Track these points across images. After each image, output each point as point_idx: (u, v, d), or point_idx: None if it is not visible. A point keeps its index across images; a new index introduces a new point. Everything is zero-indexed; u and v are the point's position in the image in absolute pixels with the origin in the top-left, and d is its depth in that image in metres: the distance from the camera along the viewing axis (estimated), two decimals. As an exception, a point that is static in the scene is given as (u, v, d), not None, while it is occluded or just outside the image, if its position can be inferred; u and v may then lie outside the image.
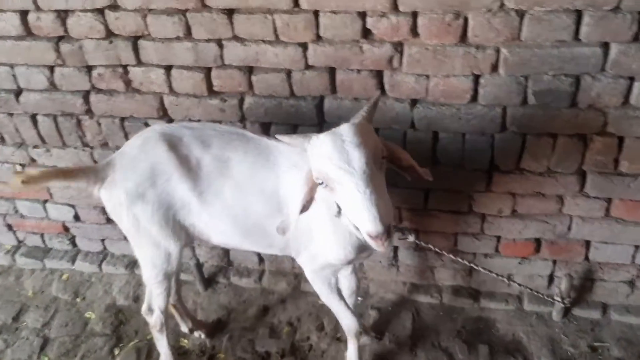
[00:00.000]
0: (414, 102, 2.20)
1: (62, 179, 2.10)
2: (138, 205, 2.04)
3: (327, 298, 2.22)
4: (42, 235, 3.18)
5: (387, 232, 1.53)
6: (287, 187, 1.93)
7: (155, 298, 2.32)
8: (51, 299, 3.04)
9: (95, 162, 2.71)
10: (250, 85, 2.29)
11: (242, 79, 2.27)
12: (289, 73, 2.23)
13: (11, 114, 2.63)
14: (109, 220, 2.97)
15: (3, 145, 2.77)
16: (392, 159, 1.73)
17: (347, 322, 2.29)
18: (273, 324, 2.79)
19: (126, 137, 2.56)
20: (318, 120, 2.32)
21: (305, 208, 1.73)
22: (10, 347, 2.80)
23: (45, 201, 2.99)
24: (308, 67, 2.19)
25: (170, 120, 2.48)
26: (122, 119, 2.52)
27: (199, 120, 2.45)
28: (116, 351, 2.74)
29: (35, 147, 2.73)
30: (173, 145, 2.00)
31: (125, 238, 2.91)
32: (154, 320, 2.39)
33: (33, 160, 2.79)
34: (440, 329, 2.67)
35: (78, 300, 3.02)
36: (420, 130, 2.25)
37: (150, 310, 2.39)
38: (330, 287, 2.18)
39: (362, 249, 1.94)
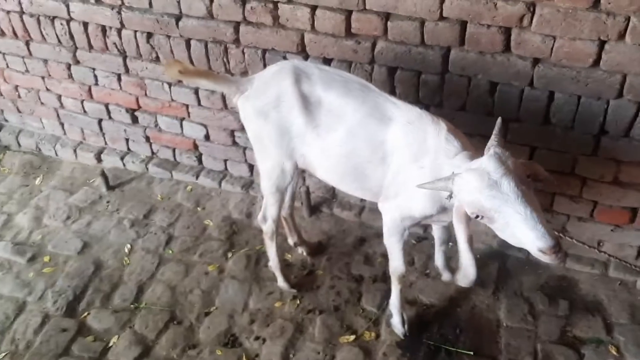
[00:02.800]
0: (536, 61, 2.37)
1: (212, 80, 2.44)
2: (261, 121, 2.36)
3: (392, 242, 2.42)
4: (173, 150, 3.61)
5: (558, 244, 1.67)
6: (397, 140, 2.15)
7: (269, 207, 2.66)
8: (176, 204, 3.48)
9: (233, 87, 3.06)
10: (385, 30, 2.53)
11: (378, 24, 2.52)
12: (422, 22, 2.45)
13: (169, 36, 3.01)
14: (234, 143, 3.35)
15: (157, 64, 3.17)
16: (532, 177, 1.85)
17: (397, 264, 2.48)
18: (368, 254, 3.08)
19: (265, 67, 2.88)
20: (442, 69, 2.54)
21: (470, 245, 1.95)
22: (141, 238, 3.26)
23: (183, 119, 3.40)
24: (442, 18, 2.40)
25: (307, 57, 2.77)
26: (264, 51, 2.85)
27: (331, 60, 2.73)
28: (229, 254, 3.13)
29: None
30: (300, 80, 2.27)
31: (245, 161, 3.30)
32: (267, 227, 2.74)
33: (179, 81, 3.18)
34: (523, 280, 2.86)
35: (199, 209, 3.43)
36: (537, 89, 2.42)
37: (264, 218, 2.73)
38: (401, 236, 2.38)
39: (443, 211, 2.15)
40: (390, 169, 2.20)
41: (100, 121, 3.67)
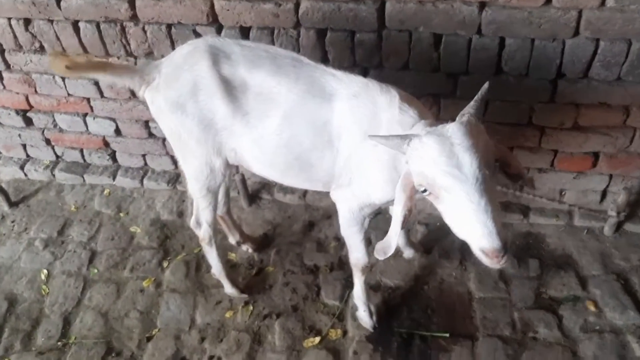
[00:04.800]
0: (482, 5, 2.09)
1: (109, 72, 1.99)
2: (178, 115, 1.97)
3: (352, 233, 2.13)
4: (81, 151, 3.14)
5: (505, 249, 1.40)
6: (343, 118, 1.83)
7: (202, 211, 2.29)
8: (94, 213, 3.04)
9: (139, 72, 2.62)
10: (308, -13, 2.17)
11: (299, -20, 2.16)
12: (350, -27, 2.11)
13: (51, 20, 2.52)
14: (150, 135, 2.93)
15: (42, 55, 2.67)
16: (500, 164, 1.57)
17: (359, 255, 2.20)
18: (320, 239, 2.79)
19: (173, 45, 2.47)
20: (378, 26, 2.22)
21: (405, 220, 1.60)
22: (58, 260, 2.82)
23: (85, 115, 2.93)
24: (372, -34, 2.07)
25: (220, 28, 2.38)
26: (169, 26, 2.42)
27: (250, 28, 2.34)
28: (164, 264, 2.75)
29: (77, 55, 2.64)
30: (218, 61, 1.89)
31: (167, 153, 2.89)
32: (203, 233, 2.38)
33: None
34: (489, 243, 2.66)
35: (121, 215, 3.01)
36: (486, 37, 2.16)
37: (198, 223, 2.37)
38: (362, 226, 2.11)
39: None
40: (339, 154, 1.88)
41: (-14, 128, 3.13)
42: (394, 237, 1.65)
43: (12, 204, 3.12)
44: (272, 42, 2.37)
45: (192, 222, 2.38)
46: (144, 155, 3.07)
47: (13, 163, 3.25)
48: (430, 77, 2.32)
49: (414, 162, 1.51)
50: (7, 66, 2.76)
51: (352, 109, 1.83)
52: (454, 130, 1.47)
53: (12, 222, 3.04)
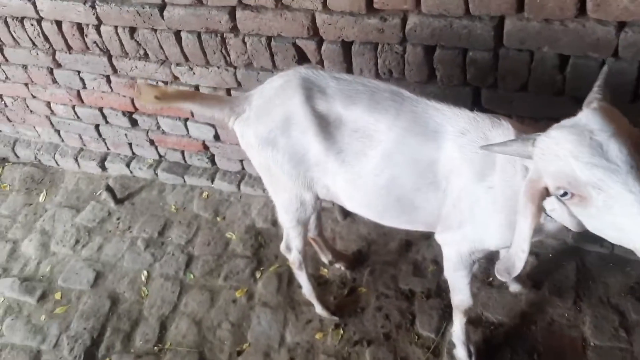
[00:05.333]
0: (621, 25, 1.80)
1: (197, 103, 1.97)
2: (268, 150, 1.88)
3: (458, 277, 1.95)
4: (182, 152, 3.17)
5: None
6: (451, 158, 1.65)
7: (291, 240, 2.23)
8: (193, 216, 3.07)
9: (238, 82, 2.57)
10: (418, 2, 1.98)
11: (408, -5, 1.96)
12: (466, -12, 1.88)
13: (155, 30, 2.51)
14: (248, 142, 2.88)
15: (147, 62, 2.69)
16: None
17: (464, 297, 2.02)
18: (417, 261, 2.63)
19: (272, 57, 2.38)
20: (494, 44, 1.98)
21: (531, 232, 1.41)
22: (158, 261, 2.88)
23: (187, 120, 2.93)
24: (491, -20, 1.83)
25: (321, 41, 2.24)
26: (269, 38, 2.32)
27: (352, 43, 2.19)
28: (257, 274, 2.74)
29: (178, 64, 2.63)
30: (312, 96, 1.77)
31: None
32: (292, 258, 2.32)
33: (176, 78, 2.70)
34: (609, 282, 2.38)
35: (218, 219, 3.02)
36: (623, 60, 1.86)
37: (288, 249, 2.30)
38: (470, 270, 1.92)
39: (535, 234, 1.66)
40: (447, 195, 1.71)
41: (97, 126, 3.25)
42: (522, 257, 1.44)
43: (118, 201, 3.23)
44: (375, 58, 2.20)
45: (282, 247, 2.32)
46: (241, 161, 3.05)
47: (120, 160, 3.35)
48: (552, 100, 2.07)
49: (546, 162, 1.31)
50: (115, 71, 2.81)
51: (461, 147, 1.65)
52: (588, 117, 1.28)
53: (118, 219, 3.15)
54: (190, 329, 2.59)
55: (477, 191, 1.63)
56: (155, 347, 2.55)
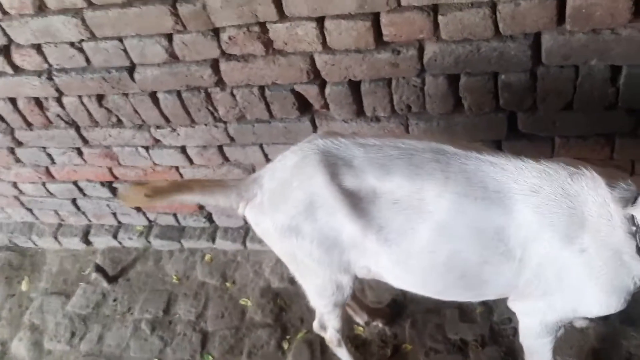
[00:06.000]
0: (683, 26, 1.53)
1: (197, 193, 1.67)
2: (292, 239, 1.58)
3: (540, 344, 1.68)
4: (174, 215, 2.84)
5: None
6: (526, 222, 1.38)
7: (327, 320, 1.95)
8: (198, 284, 2.75)
9: (231, 138, 2.25)
10: (435, 28, 1.68)
11: (424, 23, 1.67)
12: (493, 6, 1.59)
13: (126, 94, 2.18)
14: (249, 196, 2.57)
15: (121, 128, 2.35)
16: None
17: None
18: (461, 304, 2.35)
19: (268, 107, 2.07)
20: (532, 64, 1.70)
21: None
22: (169, 346, 2.56)
23: (175, 182, 2.60)
24: (525, -6, 1.54)
25: (323, 84, 1.94)
26: (262, 88, 2.01)
27: (360, 82, 1.89)
28: (285, 345, 2.43)
29: (158, 127, 2.30)
30: (337, 172, 1.47)
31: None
32: (329, 336, 2.04)
33: (157, 141, 2.36)
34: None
35: (228, 284, 2.70)
36: (688, 64, 1.60)
37: (322, 328, 2.01)
38: (555, 337, 1.65)
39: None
40: (526, 265, 1.43)
41: (74, 200, 2.89)
42: None
43: (111, 279, 2.89)
44: (390, 95, 1.91)
45: (315, 326, 2.03)
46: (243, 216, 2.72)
47: (105, 232, 3.00)
48: (602, 115, 1.80)
49: None
50: (86, 142, 2.47)
51: (537, 209, 1.36)
52: None
53: (114, 300, 2.81)
54: (221, 422, 2.28)
55: (565, 257, 1.36)
56: None
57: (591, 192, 1.33)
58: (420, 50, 1.75)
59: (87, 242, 3.05)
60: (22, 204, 3.02)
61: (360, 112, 2.00)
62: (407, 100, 1.91)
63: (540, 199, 1.35)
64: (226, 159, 2.37)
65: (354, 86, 1.92)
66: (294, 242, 1.57)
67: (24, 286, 3.03)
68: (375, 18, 1.70)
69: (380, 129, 2.04)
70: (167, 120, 2.23)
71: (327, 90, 1.94)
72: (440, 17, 1.64)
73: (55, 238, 3.08)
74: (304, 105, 2.03)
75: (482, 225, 1.40)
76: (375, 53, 1.79)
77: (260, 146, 2.26)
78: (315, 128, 2.11)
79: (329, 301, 1.76)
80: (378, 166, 1.45)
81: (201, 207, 2.73)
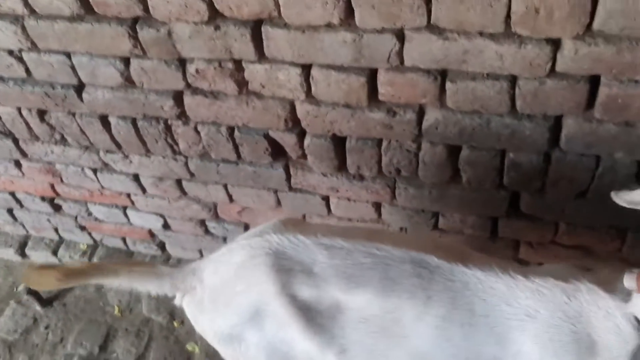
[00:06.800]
0: None
1: (123, 278, 1.38)
2: (234, 346, 1.31)
3: None
4: (123, 239, 2.53)
5: None
6: (523, 353, 1.14)
7: None
8: (142, 320, 2.46)
9: (191, 173, 1.96)
10: (441, 94, 1.42)
11: (428, 87, 1.40)
12: (513, 81, 1.33)
13: (73, 113, 1.86)
14: (207, 232, 2.29)
15: (66, 147, 2.03)
16: None
17: None
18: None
19: (236, 149, 1.78)
20: (547, 147, 1.46)
21: None
22: (102, 391, 2.27)
23: (125, 207, 2.30)
24: (554, 73, 1.29)
25: (302, 134, 1.66)
26: (232, 128, 1.72)
27: (345, 138, 1.62)
28: (232, 405, 2.17)
29: (108, 152, 1.99)
30: (292, 281, 1.20)
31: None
32: None
33: (106, 165, 2.06)
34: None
35: (175, 324, 2.42)
36: None
37: None
38: None
39: None
40: None
41: (10, 210, 2.56)
42: None
43: (45, 303, 2.57)
44: (379, 155, 1.64)
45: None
46: (200, 250, 2.44)
47: (44, 246, 2.68)
48: (620, 209, 1.56)
49: None
50: (24, 155, 2.14)
51: (534, 338, 1.13)
52: None
53: (46, 327, 2.50)
54: None
55: None
56: None
57: (592, 307, 1.12)
58: (420, 114, 1.49)
59: (23, 255, 2.72)
60: (-50, 205, 2.67)
61: (342, 167, 1.74)
62: (398, 164, 1.64)
63: (539, 326, 1.12)
64: (184, 192, 2.08)
65: (338, 141, 1.65)
66: (237, 350, 1.30)
67: (-54, 294, 2.70)
68: (372, 74, 1.42)
69: (362, 188, 1.78)
70: (118, 146, 1.93)
71: (307, 141, 1.67)
72: (448, 84, 1.38)
73: (-12, 245, 2.75)
74: (277, 152, 1.76)
75: (470, 354, 1.16)
76: (367, 111, 1.51)
77: (225, 186, 1.98)
78: (289, 176, 1.83)
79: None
80: (345, 276, 1.18)
81: (152, 235, 2.44)
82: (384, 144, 1.60)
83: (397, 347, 1.18)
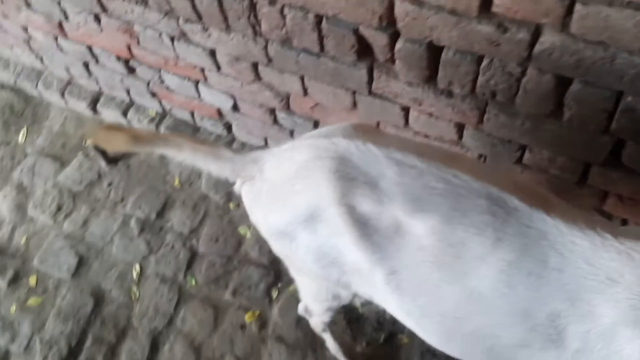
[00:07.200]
0: None
1: (186, 153, 1.36)
2: (285, 242, 1.28)
3: None
4: (192, 113, 2.50)
5: None
6: (596, 316, 1.02)
7: (315, 312, 1.69)
8: (200, 196, 2.48)
9: (269, 59, 1.85)
10: (566, 17, 1.22)
11: (554, 6, 1.21)
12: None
13: (155, -27, 1.75)
14: (275, 122, 2.22)
15: (146, 8, 1.94)
16: None
17: None
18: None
19: (321, 41, 1.65)
20: (676, 97, 1.26)
21: None
22: (154, 254, 2.36)
23: (198, 82, 2.24)
24: None
25: (396, 35, 1.50)
26: (320, 17, 1.57)
27: (442, 48, 1.45)
28: (274, 293, 2.22)
29: (188, 20, 1.89)
30: (353, 191, 1.11)
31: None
32: (314, 323, 1.81)
33: (184, 34, 1.97)
34: None
35: (231, 206, 2.44)
36: None
37: (307, 312, 1.77)
38: None
39: None
40: (580, 358, 1.11)
41: (86, 64, 2.55)
42: None
43: (110, 161, 2.61)
44: (476, 73, 1.48)
45: (300, 308, 1.78)
46: (265, 138, 2.39)
47: (115, 106, 2.69)
48: None
49: None
50: (104, 10, 2.07)
51: (614, 303, 1.03)
52: None
53: (109, 185, 2.57)
54: (187, 355, 2.13)
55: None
56: (144, 373, 2.11)
57: None
58: (535, 35, 1.30)
59: (94, 110, 2.75)
60: (31, 49, 2.69)
61: (431, 79, 1.58)
62: (495, 86, 1.48)
63: (620, 290, 1.01)
64: (259, 77, 1.99)
65: (434, 50, 1.49)
66: (287, 246, 1.27)
67: (20, 137, 2.80)
68: (489, -20, 1.23)
69: (448, 105, 1.63)
70: (199, 16, 1.82)
71: (399, 44, 1.51)
72: (578, 6, 1.18)
73: (62, 95, 2.79)
74: (364, 51, 1.61)
75: (532, 306, 1.07)
76: (475, 22, 1.33)
77: (302, 78, 1.87)
78: (371, 79, 1.70)
79: (323, 306, 1.51)
80: (412, 198, 1.09)
81: (220, 114, 2.39)
82: (485, 62, 1.43)
83: (451, 283, 1.10)
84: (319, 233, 1.18)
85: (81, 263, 2.37)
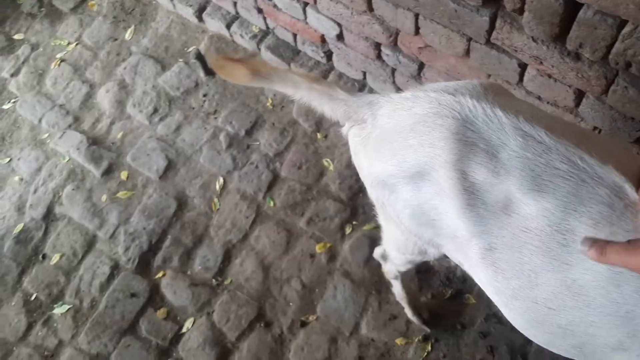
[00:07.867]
0: None
1: (303, 91, 1.29)
2: (384, 192, 1.23)
3: None
4: (294, 35, 2.46)
5: None
6: None
7: (393, 261, 1.66)
8: (289, 121, 2.48)
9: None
10: None
11: None
12: None
13: None
14: (379, 57, 2.14)
15: None
16: None
17: None
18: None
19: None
20: None
21: None
22: (237, 170, 2.41)
23: (306, 4, 2.18)
24: None
25: (577, 9, 1.37)
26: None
27: (581, 5, 1.31)
28: (347, 229, 2.22)
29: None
30: (470, 157, 1.03)
31: (393, 82, 2.14)
32: (387, 268, 1.81)
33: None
34: None
35: (319, 136, 2.43)
36: None
37: (383, 258, 1.75)
38: None
39: None
40: None
41: (198, -30, 2.54)
42: None
43: (209, 72, 2.66)
44: (614, 39, 1.34)
45: (376, 253, 1.77)
46: (364, 72, 2.32)
47: (221, 17, 2.68)
48: None
49: None
50: None
51: None
52: None
53: (204, 95, 2.62)
54: (256, 272, 2.20)
55: None
56: (214, 280, 2.21)
57: None
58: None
59: (200, 19, 2.76)
60: (148, -52, 2.70)
61: (560, 38, 1.45)
62: (633, 57, 1.34)
63: None
64: (371, 8, 1.90)
65: (572, 5, 1.35)
66: (385, 196, 1.23)
67: (127, 34, 2.87)
68: None
69: (573, 69, 1.50)
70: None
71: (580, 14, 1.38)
72: None
73: (171, -1, 2.81)
74: (491, -3, 1.49)
75: (637, 310, 1.00)
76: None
77: (416, 15, 1.77)
78: (492, 28, 1.58)
79: (407, 259, 1.48)
80: (531, 175, 1.01)
81: (323, 40, 2.33)
82: (627, 28, 1.29)
83: (552, 271, 1.04)
84: (423, 191, 1.13)
85: (169, 167, 2.46)
